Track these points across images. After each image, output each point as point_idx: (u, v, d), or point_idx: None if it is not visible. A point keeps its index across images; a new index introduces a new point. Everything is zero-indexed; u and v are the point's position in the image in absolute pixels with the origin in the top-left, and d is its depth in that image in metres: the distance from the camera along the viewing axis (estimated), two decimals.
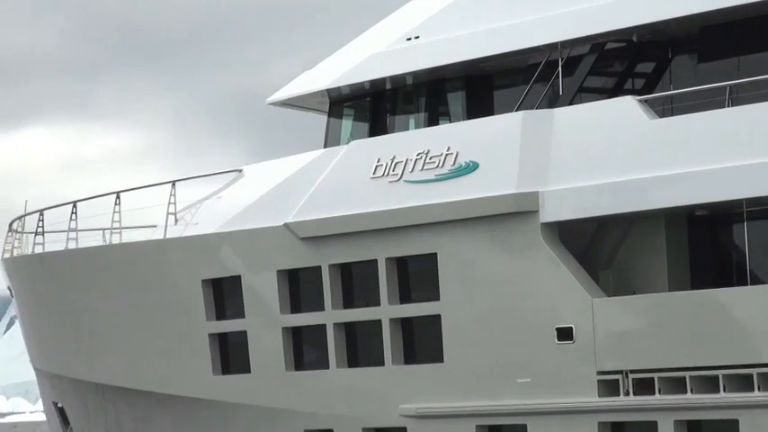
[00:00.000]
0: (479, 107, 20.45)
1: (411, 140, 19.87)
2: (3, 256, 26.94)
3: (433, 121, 21.28)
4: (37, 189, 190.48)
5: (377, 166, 19.65)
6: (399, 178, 19.37)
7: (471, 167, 18.65)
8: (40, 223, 25.59)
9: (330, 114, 22.49)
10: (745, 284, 17.55)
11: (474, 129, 19.50)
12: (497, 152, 18.51)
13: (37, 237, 25.62)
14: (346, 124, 22.37)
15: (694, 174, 16.88)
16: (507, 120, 18.89)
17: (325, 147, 22.01)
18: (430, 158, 19.08)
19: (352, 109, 22.38)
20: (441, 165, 18.95)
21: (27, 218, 26.63)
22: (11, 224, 27.03)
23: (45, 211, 25.57)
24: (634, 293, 18.06)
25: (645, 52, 19.26)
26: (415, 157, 19.25)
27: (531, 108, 19.23)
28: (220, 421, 21.86)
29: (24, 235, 26.63)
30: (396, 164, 19.44)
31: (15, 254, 26.59)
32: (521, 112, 18.77)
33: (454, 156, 18.82)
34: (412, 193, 19.16)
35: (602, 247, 18.76)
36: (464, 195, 18.56)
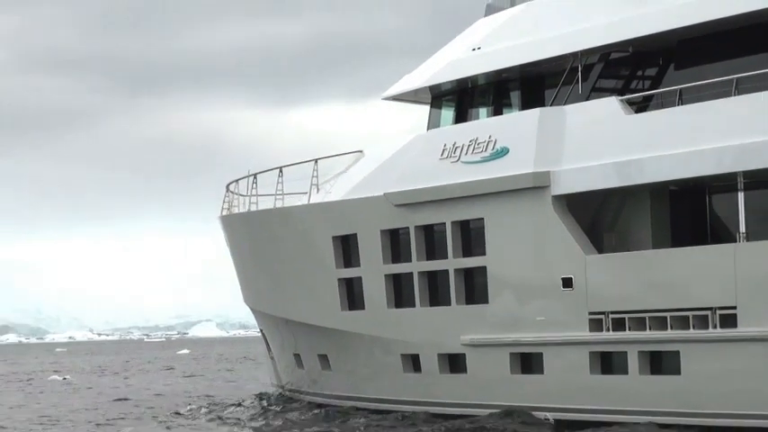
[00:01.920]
0: (532, 101, 24.90)
1: (465, 131, 24.67)
2: (221, 213, 32.30)
3: (498, 112, 25.91)
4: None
5: (443, 150, 24.61)
6: (458, 160, 24.26)
7: (504, 152, 23.31)
8: (254, 186, 30.09)
9: (432, 106, 27.49)
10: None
11: (506, 121, 24.27)
12: (521, 140, 23.07)
13: (246, 198, 30.41)
14: (445, 114, 27.23)
15: (662, 157, 21.00)
16: (528, 115, 23.50)
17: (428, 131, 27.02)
18: (477, 144, 23.87)
19: (450, 102, 27.20)
20: (484, 149, 23.70)
21: (241, 181, 31.08)
22: (227, 186, 31.85)
23: (258, 175, 30.21)
24: (629, 251, 22.31)
25: (641, 60, 23.33)
26: (467, 143, 24.10)
27: (563, 103, 23.67)
28: (344, 346, 27.43)
29: (238, 195, 31.20)
30: (456, 148, 24.34)
31: (231, 212, 31.80)
32: (538, 109, 23.32)
33: (493, 143, 23.57)
34: (466, 171, 23.99)
35: (606, 215, 23.07)
36: (499, 173, 23.23)
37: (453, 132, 25.09)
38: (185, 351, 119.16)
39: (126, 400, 38.30)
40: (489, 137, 23.67)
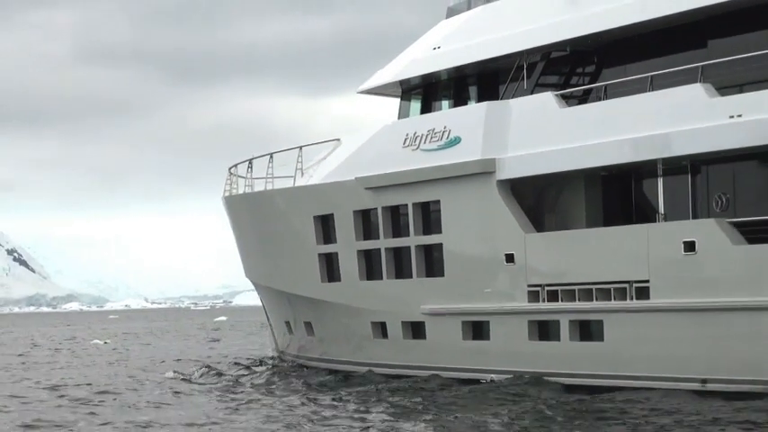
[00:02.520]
0: (487, 95, 26.71)
1: (424, 122, 26.66)
2: (223, 194, 34.67)
3: (458, 104, 27.78)
4: None
5: (405, 139, 26.55)
6: (417, 148, 26.21)
7: (457, 141, 25.26)
8: (250, 169, 32.24)
9: (402, 98, 29.40)
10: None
11: (459, 114, 26.25)
12: (471, 131, 25.03)
13: (244, 180, 32.51)
14: (413, 106, 29.11)
15: (590, 146, 22.84)
16: (477, 108, 25.49)
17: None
18: (434, 134, 25.82)
19: (417, 95, 29.08)
20: (440, 139, 25.66)
21: (240, 165, 33.09)
22: (229, 169, 33.84)
23: (254, 161, 32.30)
24: (567, 230, 24.14)
25: (579, 59, 25.10)
26: (426, 133, 26.03)
27: (511, 98, 25.48)
28: (324, 315, 29.47)
29: (238, 178, 33.23)
30: (416, 137, 26.28)
31: (231, 193, 33.94)
32: (485, 103, 25.31)
33: (448, 133, 25.48)
34: (425, 158, 25.97)
35: (547, 198, 25.01)
36: (452, 160, 25.20)
37: (414, 123, 27.09)
38: (223, 318, 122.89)
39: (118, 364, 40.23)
40: (444, 127, 25.59)
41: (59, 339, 70.94)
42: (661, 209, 23.01)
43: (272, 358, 34.75)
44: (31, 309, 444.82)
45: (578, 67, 25.39)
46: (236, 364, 35.36)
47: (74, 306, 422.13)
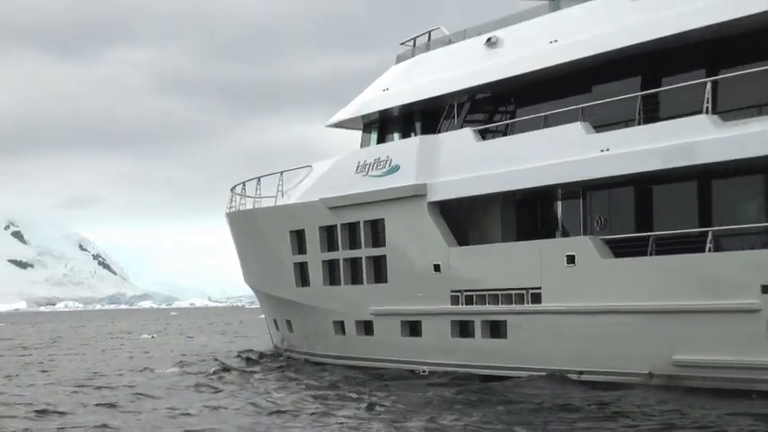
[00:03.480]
0: (429, 130, 30.01)
1: (372, 152, 30.11)
2: (227, 211, 38.33)
3: (406, 136, 31.11)
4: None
5: (357, 166, 29.97)
6: (366, 174, 29.65)
7: (397, 168, 28.70)
8: (243, 190, 36.22)
9: (363, 131, 32.84)
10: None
11: (398, 146, 29.75)
12: (407, 160, 28.46)
13: (242, 199, 36.38)
14: (373, 137, 32.46)
15: (498, 174, 26.05)
16: (412, 141, 28.99)
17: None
18: (379, 162, 29.25)
19: (375, 128, 32.45)
20: (384, 166, 29.10)
21: (237, 186, 36.85)
22: (232, 189, 37.63)
23: (246, 183, 36.16)
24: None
25: (499, 100, 28.32)
26: (373, 161, 29.47)
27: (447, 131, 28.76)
28: (299, 314, 32.97)
29: (237, 196, 36.98)
30: (366, 165, 29.70)
31: (233, 210, 37.86)
32: (418, 137, 28.71)
33: (390, 161, 28.87)
34: (372, 182, 29.48)
35: (472, 217, 28.30)
36: (392, 185, 28.72)
37: (364, 153, 30.65)
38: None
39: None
40: (387, 157, 29.08)
41: (117, 333, 77.62)
42: (560, 227, 26.18)
43: (272, 351, 38.22)
44: (112, 306, 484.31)
45: (500, 106, 28.75)
46: (237, 356, 38.92)
47: (147, 304, 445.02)
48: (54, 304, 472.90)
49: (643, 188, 24.29)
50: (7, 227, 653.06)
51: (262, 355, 38.49)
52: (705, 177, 22.96)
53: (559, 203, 26.47)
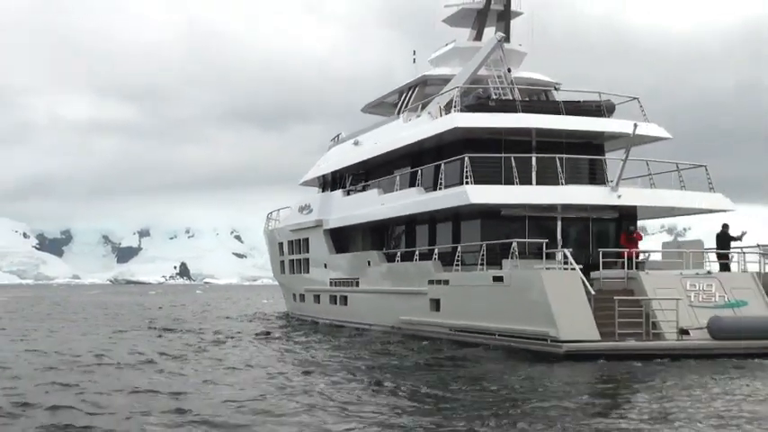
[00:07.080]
0: (341, 187, 49.83)
1: (304, 200, 50.36)
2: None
3: (334, 190, 50.75)
4: None
5: (299, 208, 50.55)
6: (301, 212, 50.11)
7: (312, 210, 49.04)
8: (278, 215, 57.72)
9: (320, 188, 52.90)
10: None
11: (313, 197, 49.67)
12: (315, 205, 48.44)
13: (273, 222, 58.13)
14: (325, 190, 52.53)
15: (356, 215, 45.48)
16: (318, 195, 49.07)
17: None
18: (306, 206, 49.73)
19: (321, 184, 52.56)
20: (308, 209, 49.47)
21: (274, 212, 58.48)
22: (268, 215, 58.74)
23: (273, 212, 57.49)
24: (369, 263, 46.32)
25: (366, 173, 47.53)
26: (304, 205, 49.98)
27: (346, 193, 48.78)
28: (286, 291, 54.13)
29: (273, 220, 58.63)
30: (302, 207, 50.21)
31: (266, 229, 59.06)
32: (320, 194, 49.13)
33: (309, 206, 49.36)
34: (302, 217, 49.64)
35: (349, 238, 47.90)
36: (309, 219, 48.81)
37: (302, 200, 50.94)
38: None
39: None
40: (308, 204, 49.45)
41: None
42: (401, 245, 43.83)
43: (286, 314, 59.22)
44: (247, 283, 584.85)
45: (364, 177, 47.78)
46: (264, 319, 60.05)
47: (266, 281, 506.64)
48: (255, 281, 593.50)
49: (409, 224, 43.47)
50: (232, 232, 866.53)
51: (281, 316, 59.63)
52: (431, 221, 42.16)
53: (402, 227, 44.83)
